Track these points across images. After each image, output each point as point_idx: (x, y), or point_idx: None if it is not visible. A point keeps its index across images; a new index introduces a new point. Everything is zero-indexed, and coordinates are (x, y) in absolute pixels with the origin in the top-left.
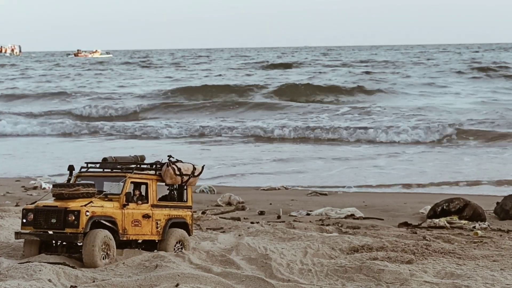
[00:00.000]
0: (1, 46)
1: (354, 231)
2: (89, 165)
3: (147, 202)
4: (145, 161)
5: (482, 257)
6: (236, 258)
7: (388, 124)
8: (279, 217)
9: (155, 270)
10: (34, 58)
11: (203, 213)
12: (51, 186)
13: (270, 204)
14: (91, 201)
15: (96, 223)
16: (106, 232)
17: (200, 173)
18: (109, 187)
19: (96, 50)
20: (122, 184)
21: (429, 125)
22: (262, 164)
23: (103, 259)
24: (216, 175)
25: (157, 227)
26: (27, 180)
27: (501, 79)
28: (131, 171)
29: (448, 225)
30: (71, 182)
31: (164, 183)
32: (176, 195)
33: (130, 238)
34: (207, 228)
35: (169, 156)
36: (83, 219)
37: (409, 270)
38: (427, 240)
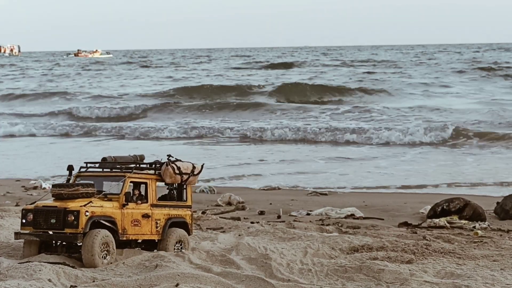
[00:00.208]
0: (0, 46)
1: (354, 231)
2: (89, 165)
3: (147, 202)
4: (145, 161)
5: (482, 257)
6: (236, 258)
7: (389, 124)
8: (279, 217)
9: (155, 270)
10: (34, 58)
11: (203, 213)
12: (50, 186)
13: (270, 204)
14: (91, 201)
15: (95, 223)
16: (106, 232)
17: (200, 172)
18: (108, 187)
19: (96, 50)
20: (121, 184)
21: (430, 125)
22: (262, 164)
23: (103, 259)
24: (216, 175)
25: (156, 227)
26: (27, 180)
27: (503, 79)
28: (130, 170)
29: (448, 225)
30: (70, 182)
31: (163, 183)
32: (175, 194)
33: (130, 238)
34: (207, 228)
35: (169, 155)
36: (83, 219)
37: (409, 270)
38: (427, 240)
